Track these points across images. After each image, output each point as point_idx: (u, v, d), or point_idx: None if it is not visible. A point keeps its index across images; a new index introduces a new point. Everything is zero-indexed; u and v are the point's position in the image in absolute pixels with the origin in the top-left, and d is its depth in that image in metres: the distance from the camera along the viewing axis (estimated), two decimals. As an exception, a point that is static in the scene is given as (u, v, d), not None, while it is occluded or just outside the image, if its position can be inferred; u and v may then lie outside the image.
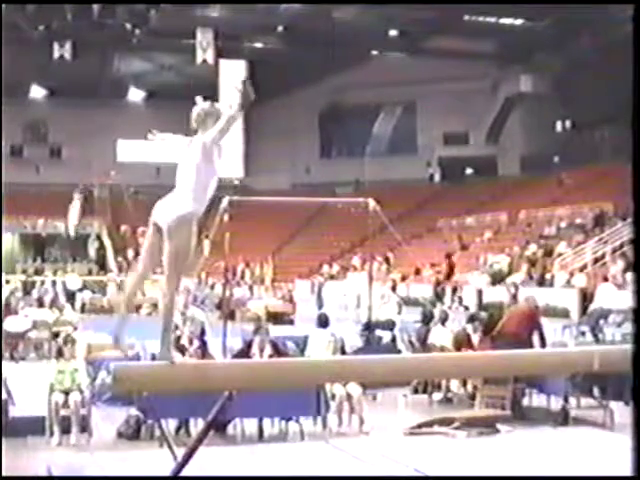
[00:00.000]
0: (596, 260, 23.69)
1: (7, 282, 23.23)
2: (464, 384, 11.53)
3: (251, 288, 28.20)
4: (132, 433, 9.61)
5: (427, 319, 13.70)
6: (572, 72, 31.19)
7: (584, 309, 19.68)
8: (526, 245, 26.92)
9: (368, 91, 36.52)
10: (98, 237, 35.25)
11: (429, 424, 9.93)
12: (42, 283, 25.71)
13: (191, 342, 10.40)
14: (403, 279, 26.39)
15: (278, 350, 10.33)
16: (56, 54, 31.04)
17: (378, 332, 14.57)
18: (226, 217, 13.55)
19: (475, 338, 12.14)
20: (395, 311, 17.94)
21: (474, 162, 37.60)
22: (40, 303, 20.57)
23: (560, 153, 35.28)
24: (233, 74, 37.46)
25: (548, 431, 9.99)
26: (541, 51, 32.38)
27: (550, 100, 33.95)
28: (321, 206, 34.97)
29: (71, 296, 25.50)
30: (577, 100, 32.25)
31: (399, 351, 12.99)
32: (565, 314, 20.16)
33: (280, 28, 32.04)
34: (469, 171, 38.44)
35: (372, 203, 14.41)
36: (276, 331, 12.76)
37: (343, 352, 11.02)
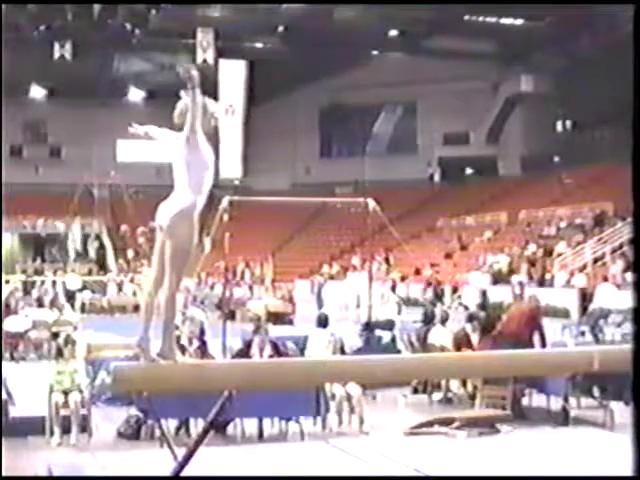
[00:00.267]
0: (596, 260, 23.72)
1: (7, 282, 23.22)
2: (464, 384, 11.53)
3: (251, 288, 28.20)
4: (132, 433, 9.61)
5: (428, 319, 13.70)
6: (572, 72, 31.18)
7: (584, 309, 19.71)
8: (526, 245, 26.94)
9: (368, 91, 36.52)
10: (98, 237, 35.25)
11: (429, 424, 9.92)
12: (42, 283, 25.71)
13: (191, 342, 10.39)
14: (403, 279, 26.41)
15: (278, 350, 10.32)
16: (56, 54, 31.05)
17: (378, 332, 14.56)
18: (226, 217, 13.54)
19: (474, 338, 12.14)
20: (395, 311, 17.94)
21: (474, 162, 37.60)
22: (40, 303, 20.58)
23: (560, 153, 35.30)
24: (233, 74, 37.54)
25: (548, 431, 9.99)
26: (541, 51, 32.39)
27: (550, 100, 33.95)
28: (321, 206, 34.99)
29: (71, 296, 25.51)
30: (577, 100, 32.25)
31: (399, 351, 12.98)
32: (565, 314, 20.18)
33: (280, 28, 32.05)
34: (469, 171, 38.45)
35: (372, 203, 14.40)
36: (276, 331, 12.76)
37: (343, 352, 11.02)
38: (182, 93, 4.91)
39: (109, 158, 37.89)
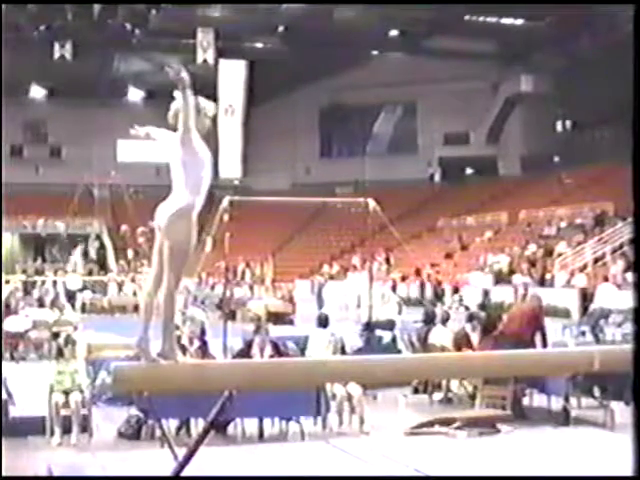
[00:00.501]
0: (596, 260, 23.73)
1: (7, 282, 23.22)
2: (461, 384, 11.52)
3: (251, 288, 28.19)
4: (133, 433, 9.61)
5: (429, 319, 13.70)
6: (572, 72, 31.19)
7: (584, 309, 19.72)
8: (526, 245, 26.95)
9: (368, 91, 36.53)
10: (98, 237, 35.26)
11: (429, 424, 9.91)
12: (42, 283, 25.70)
13: (191, 342, 10.39)
14: (403, 279, 26.42)
15: (278, 350, 10.32)
16: (56, 54, 31.06)
17: (378, 332, 14.56)
18: (226, 217, 13.54)
19: (474, 337, 12.14)
20: (395, 311, 17.94)
21: (474, 162, 37.62)
22: (40, 303, 20.56)
23: (560, 153, 35.31)
24: (233, 74, 37.56)
25: (548, 431, 9.98)
26: (541, 51, 32.40)
27: (550, 100, 33.96)
28: (321, 206, 34.99)
29: (71, 296, 25.50)
30: (577, 100, 32.26)
31: (399, 351, 12.97)
32: (565, 314, 20.19)
33: (280, 28, 32.06)
34: (469, 171, 38.46)
35: (372, 203, 14.40)
36: (276, 331, 12.75)
37: (343, 352, 11.01)
38: (175, 94, 4.92)
39: (109, 158, 37.91)
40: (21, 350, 16.58)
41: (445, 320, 13.10)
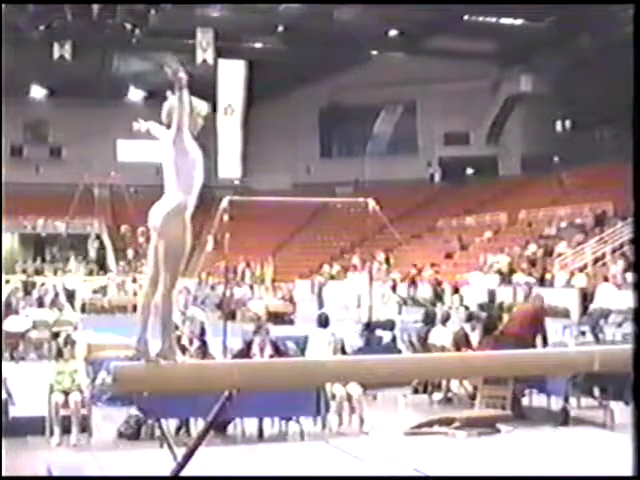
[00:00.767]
0: (596, 260, 23.72)
1: (7, 282, 23.21)
2: (461, 383, 11.52)
3: (251, 288, 28.19)
4: (132, 433, 9.60)
5: (429, 319, 13.69)
6: (572, 72, 31.21)
7: (584, 309, 19.71)
8: (526, 245, 26.95)
9: (368, 91, 36.53)
10: (98, 237, 35.26)
11: (429, 424, 9.91)
12: (42, 283, 25.68)
13: (191, 342, 10.39)
14: (403, 279, 26.43)
15: (278, 350, 10.32)
16: (56, 54, 31.07)
17: (378, 332, 14.56)
18: (226, 217, 13.54)
19: (474, 337, 12.14)
20: (395, 311, 17.94)
21: (474, 162, 37.63)
22: (40, 303, 20.55)
23: (560, 153, 35.31)
24: (232, 74, 37.57)
25: (548, 431, 9.98)
26: (541, 51, 32.40)
27: (550, 100, 33.97)
28: (321, 206, 35.01)
29: (71, 296, 25.48)
30: (577, 100, 32.28)
31: (399, 351, 12.97)
32: (565, 314, 20.18)
33: (280, 28, 32.06)
34: (469, 171, 38.47)
35: (372, 203, 14.39)
36: (276, 331, 12.73)
37: (343, 352, 11.01)
38: (168, 93, 4.93)
39: (109, 158, 37.91)
40: (21, 350, 16.56)
41: (445, 320, 13.09)
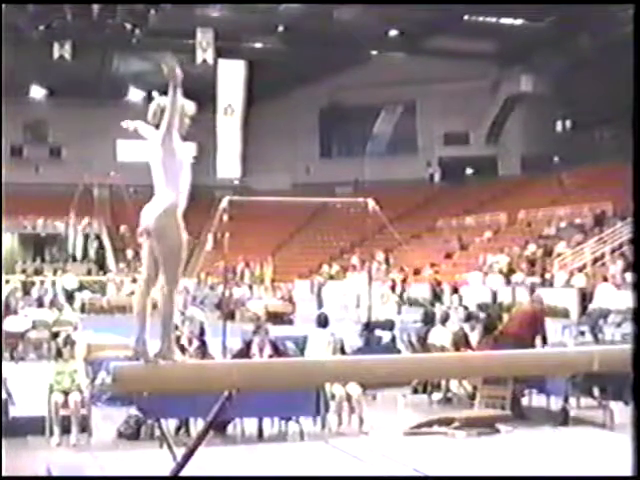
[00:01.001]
0: (595, 260, 23.72)
1: (7, 282, 23.21)
2: (462, 384, 11.52)
3: (251, 288, 28.20)
4: (132, 433, 9.60)
5: (428, 319, 13.70)
6: (572, 72, 31.20)
7: (584, 309, 19.70)
8: (526, 245, 26.94)
9: (368, 91, 36.53)
10: (98, 237, 35.25)
11: (429, 424, 9.91)
12: (42, 283, 25.70)
13: (191, 342, 10.39)
14: (404, 280, 26.41)
15: (278, 350, 10.31)
16: (56, 54, 31.07)
17: (378, 332, 14.57)
18: (225, 217, 13.54)
19: (473, 337, 12.14)
20: (395, 311, 17.95)
21: (474, 162, 37.63)
22: (40, 303, 20.55)
23: (560, 153, 35.32)
24: (232, 74, 37.56)
25: (548, 431, 9.98)
26: (541, 51, 32.40)
27: (550, 100, 33.97)
28: (321, 206, 35.01)
29: (70, 296, 25.50)
30: (577, 100, 32.28)
31: (399, 351, 12.97)
32: (565, 314, 20.18)
33: (280, 28, 32.06)
34: (469, 171, 38.47)
35: (372, 203, 14.40)
36: (276, 331, 12.73)
37: (343, 352, 11.01)
38: (155, 94, 4.92)
39: (109, 158, 37.90)
40: (21, 350, 16.56)
41: (444, 320, 13.10)
